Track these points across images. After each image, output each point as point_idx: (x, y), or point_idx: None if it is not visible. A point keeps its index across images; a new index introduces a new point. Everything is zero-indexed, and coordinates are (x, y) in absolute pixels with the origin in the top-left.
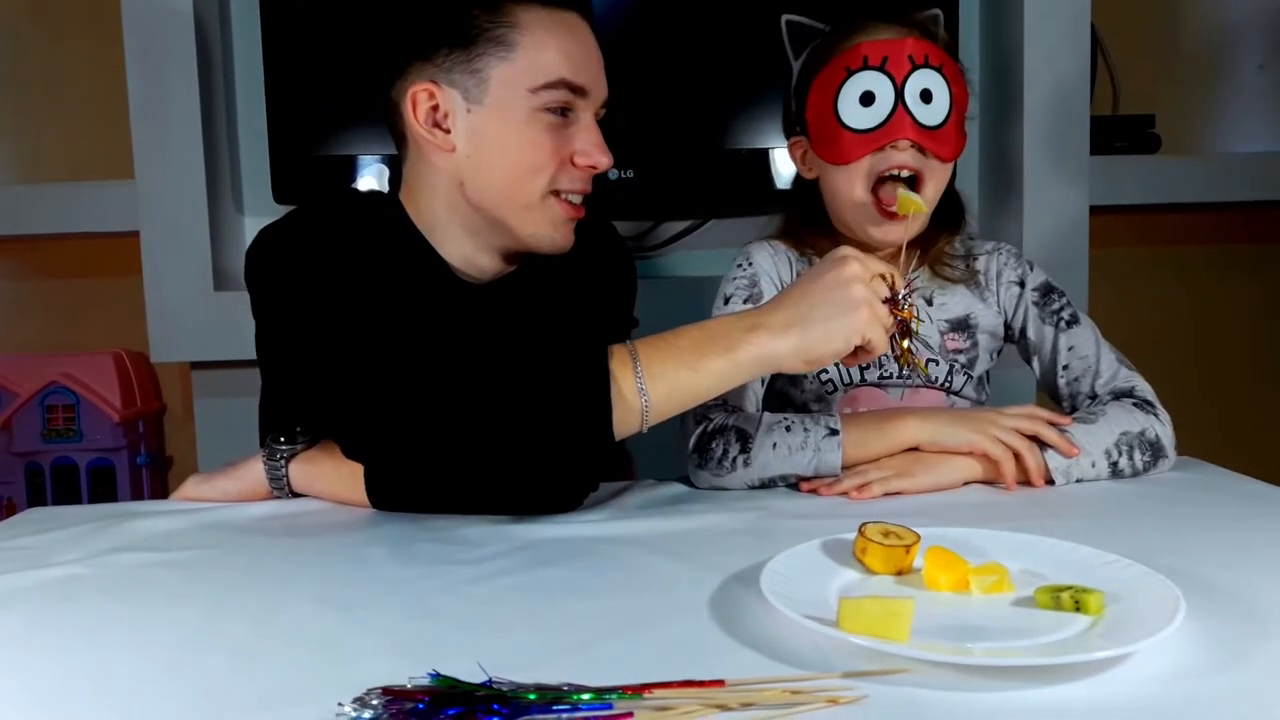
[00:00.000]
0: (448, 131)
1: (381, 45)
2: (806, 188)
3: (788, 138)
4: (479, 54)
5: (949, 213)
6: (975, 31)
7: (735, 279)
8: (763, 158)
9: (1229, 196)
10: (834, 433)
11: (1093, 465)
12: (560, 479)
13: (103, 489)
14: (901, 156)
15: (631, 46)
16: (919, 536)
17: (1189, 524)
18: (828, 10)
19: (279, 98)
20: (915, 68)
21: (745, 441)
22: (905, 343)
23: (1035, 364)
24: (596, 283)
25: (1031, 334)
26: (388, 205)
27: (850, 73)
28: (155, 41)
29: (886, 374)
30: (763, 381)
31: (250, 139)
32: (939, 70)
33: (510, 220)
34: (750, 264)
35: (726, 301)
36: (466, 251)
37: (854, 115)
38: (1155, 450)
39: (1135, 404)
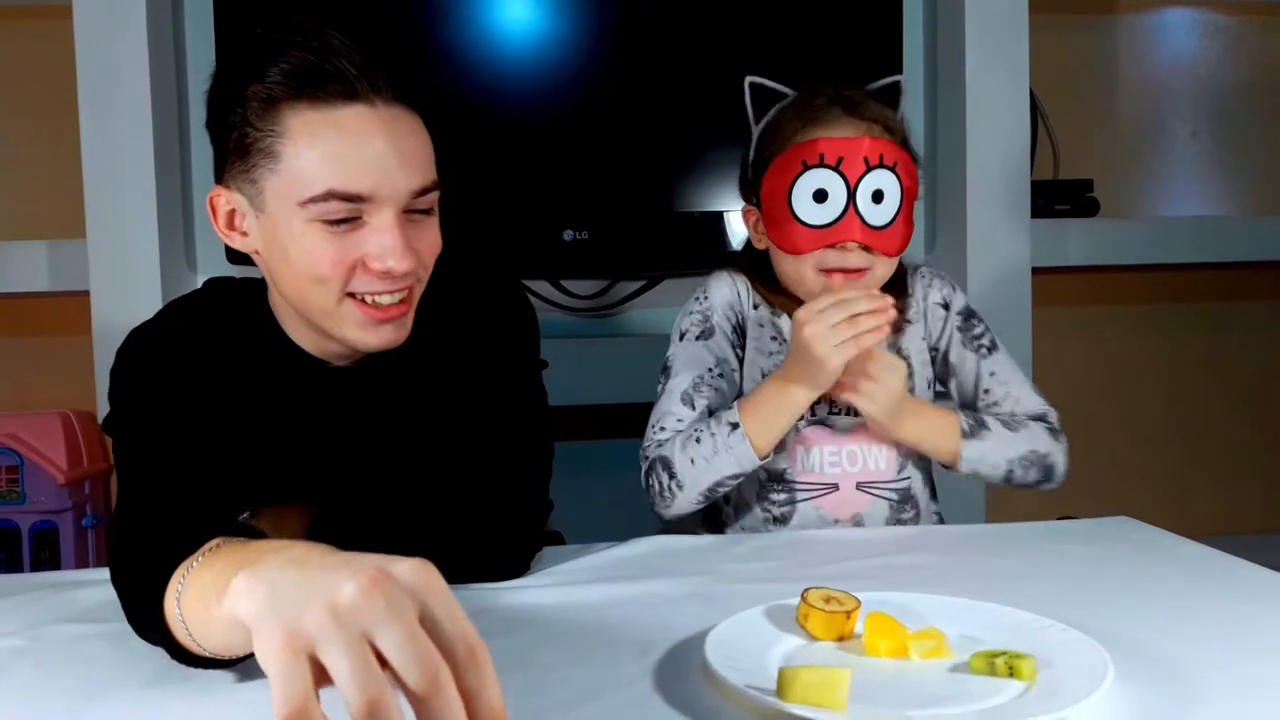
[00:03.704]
0: (245, 235)
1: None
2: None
3: (744, 200)
4: (253, 164)
5: (892, 284)
6: (919, 97)
7: (691, 313)
8: (716, 220)
9: (1163, 258)
10: (735, 426)
11: (994, 467)
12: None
13: (46, 551)
14: (850, 258)
15: (587, 111)
16: (860, 602)
17: (1126, 587)
18: (786, 72)
19: None
20: (869, 169)
21: (669, 467)
22: None
23: (953, 386)
24: (474, 350)
25: (953, 358)
26: (255, 294)
27: (806, 166)
28: (109, 101)
29: (836, 410)
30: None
31: (204, 198)
32: (892, 169)
33: (316, 322)
34: (706, 298)
35: (681, 337)
36: (314, 339)
37: (806, 210)
38: (1048, 473)
39: (1048, 429)
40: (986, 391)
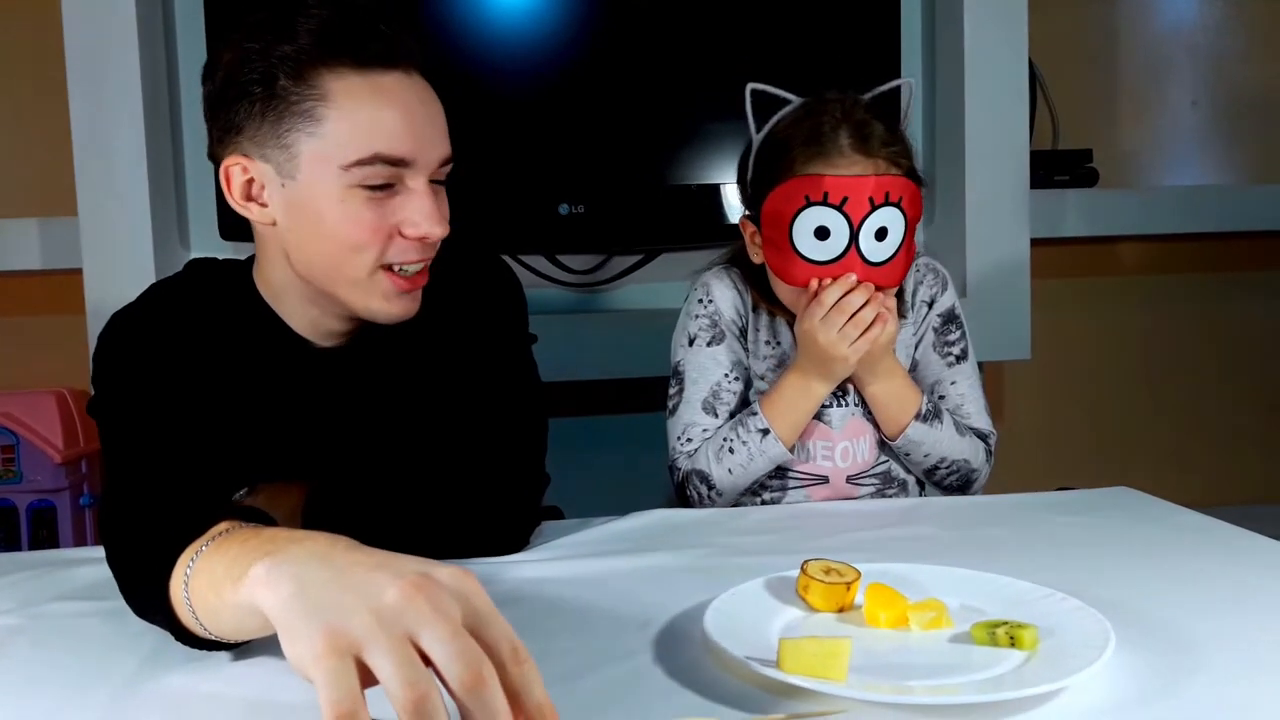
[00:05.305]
0: (264, 205)
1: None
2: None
3: (743, 204)
4: (287, 129)
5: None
6: (917, 69)
7: (697, 316)
8: (712, 193)
9: (1164, 228)
10: (765, 432)
11: (926, 455)
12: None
13: (44, 531)
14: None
15: (583, 84)
16: (860, 573)
17: (1125, 556)
18: (781, 40)
19: None
20: (874, 209)
21: (707, 480)
22: None
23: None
24: (462, 327)
25: (918, 354)
26: (239, 274)
27: (809, 202)
28: (99, 75)
29: (826, 403)
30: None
31: (197, 174)
32: (898, 205)
33: (339, 294)
34: (711, 300)
35: (691, 342)
36: (312, 317)
37: (808, 245)
38: (965, 485)
39: (986, 449)
40: (942, 398)
